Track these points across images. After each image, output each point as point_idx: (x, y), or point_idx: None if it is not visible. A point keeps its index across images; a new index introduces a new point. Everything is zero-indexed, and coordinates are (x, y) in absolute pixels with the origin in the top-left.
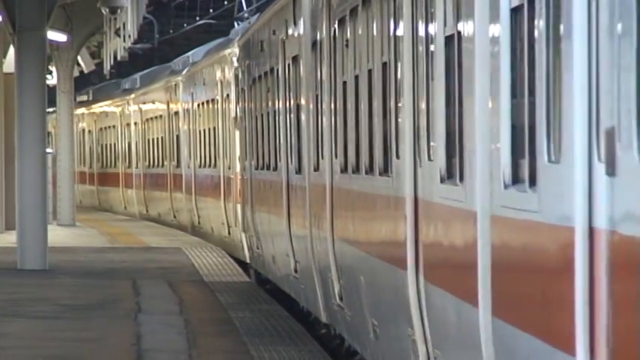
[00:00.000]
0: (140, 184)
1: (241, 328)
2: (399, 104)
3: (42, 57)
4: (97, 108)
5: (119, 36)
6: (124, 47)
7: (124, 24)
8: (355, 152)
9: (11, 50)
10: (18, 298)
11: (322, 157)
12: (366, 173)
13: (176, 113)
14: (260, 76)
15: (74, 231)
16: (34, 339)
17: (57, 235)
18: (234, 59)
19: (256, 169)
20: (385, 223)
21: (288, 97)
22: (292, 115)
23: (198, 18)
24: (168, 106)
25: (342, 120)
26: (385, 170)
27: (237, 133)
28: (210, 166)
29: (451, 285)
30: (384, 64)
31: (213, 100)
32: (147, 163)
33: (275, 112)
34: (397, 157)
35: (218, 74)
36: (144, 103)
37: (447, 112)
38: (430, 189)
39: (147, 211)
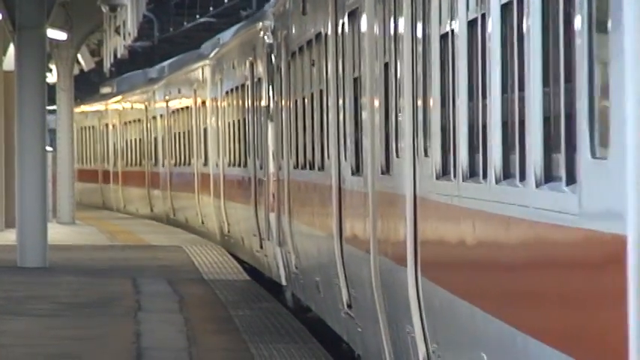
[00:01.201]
0: (166, 185)
1: (241, 326)
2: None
3: (42, 55)
4: (121, 100)
5: (119, 34)
6: (124, 45)
7: (123, 22)
8: (471, 148)
9: (11, 48)
10: (18, 295)
11: (397, 155)
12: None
13: (203, 103)
14: (301, 48)
15: (74, 229)
16: (33, 337)
17: (57, 233)
18: (268, 33)
19: (295, 167)
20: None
21: (341, 71)
22: (347, 97)
23: (198, 16)
24: (195, 96)
25: (439, 97)
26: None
27: (271, 124)
28: (239, 165)
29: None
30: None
31: (242, 86)
32: (173, 161)
33: (321, 92)
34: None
35: (248, 55)
36: (169, 93)
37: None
38: None
39: (174, 214)
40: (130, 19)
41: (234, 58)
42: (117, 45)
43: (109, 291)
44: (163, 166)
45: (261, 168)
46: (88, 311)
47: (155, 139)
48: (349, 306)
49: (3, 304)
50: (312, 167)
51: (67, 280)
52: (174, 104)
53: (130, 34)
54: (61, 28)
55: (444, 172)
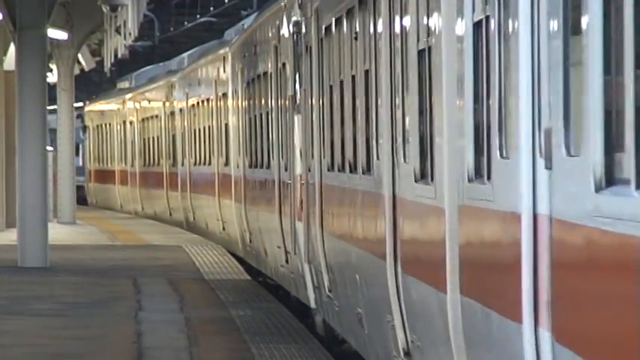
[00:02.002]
0: (186, 186)
1: (242, 326)
2: None
3: (42, 55)
4: (139, 95)
5: (120, 34)
6: (125, 45)
7: (124, 22)
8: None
9: (12, 48)
10: (18, 295)
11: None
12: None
13: (224, 95)
14: (339, 19)
15: (75, 229)
16: (34, 337)
17: (57, 233)
18: (295, 8)
19: (329, 170)
20: None
21: (399, 44)
22: (411, 75)
23: (198, 16)
24: (215, 87)
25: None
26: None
27: (297, 118)
28: (262, 166)
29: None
30: None
31: (265, 74)
32: (192, 160)
33: (368, 74)
34: None
35: (271, 39)
36: (189, 85)
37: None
38: None
39: (194, 218)
40: (130, 18)
41: (256, 43)
42: (117, 45)
43: (110, 291)
44: (182, 165)
45: (286, 170)
46: (88, 311)
47: (174, 136)
48: (406, 353)
49: (4, 304)
50: (353, 170)
51: (68, 280)
52: (193, 98)
53: (130, 34)
54: (61, 27)
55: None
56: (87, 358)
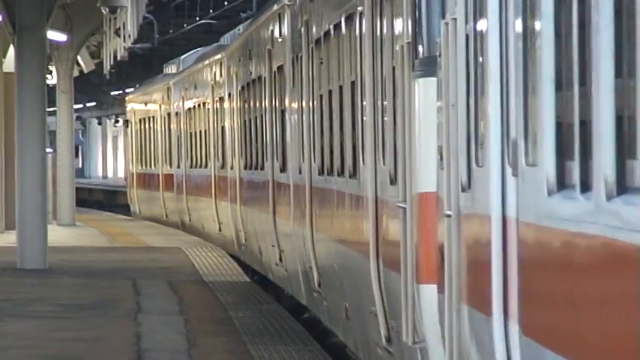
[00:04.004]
0: (235, 196)
1: (241, 327)
2: None
3: (42, 57)
4: (185, 80)
5: (119, 36)
6: (124, 47)
7: (123, 24)
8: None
9: (11, 50)
10: (17, 297)
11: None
12: None
13: (280, 67)
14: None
15: (74, 231)
16: (33, 339)
17: (57, 235)
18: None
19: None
20: None
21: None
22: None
23: (198, 18)
24: (269, 63)
25: None
26: None
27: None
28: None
29: None
30: None
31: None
32: (243, 162)
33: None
34: None
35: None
36: (238, 60)
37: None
38: None
39: (245, 239)
40: (130, 20)
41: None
42: (117, 47)
43: (109, 293)
44: (232, 168)
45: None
46: (88, 313)
47: (222, 128)
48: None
49: (3, 306)
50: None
51: (67, 282)
52: (244, 79)
53: (130, 36)
54: (61, 29)
55: None
56: (86, 359)
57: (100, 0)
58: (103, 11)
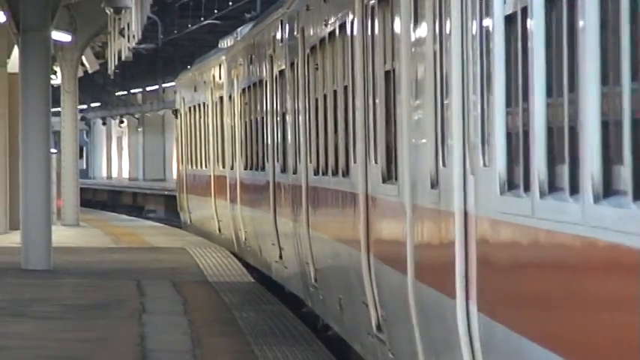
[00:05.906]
0: (304, 212)
1: (245, 328)
2: None
3: (46, 57)
4: (240, 57)
5: (123, 36)
6: (129, 47)
7: (128, 24)
8: None
9: (15, 50)
10: (22, 298)
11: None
12: None
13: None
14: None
15: (78, 231)
16: (37, 339)
17: (61, 236)
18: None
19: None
20: None
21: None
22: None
23: (202, 18)
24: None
25: None
26: None
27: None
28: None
29: None
30: None
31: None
32: (315, 166)
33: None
34: None
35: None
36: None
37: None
38: None
39: (314, 264)
40: (134, 21)
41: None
42: (121, 47)
43: (114, 293)
44: (295, 172)
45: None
46: (92, 313)
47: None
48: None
49: (7, 307)
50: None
51: (72, 283)
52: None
53: (134, 37)
54: (65, 30)
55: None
56: None
57: (105, 0)
58: (108, 12)
